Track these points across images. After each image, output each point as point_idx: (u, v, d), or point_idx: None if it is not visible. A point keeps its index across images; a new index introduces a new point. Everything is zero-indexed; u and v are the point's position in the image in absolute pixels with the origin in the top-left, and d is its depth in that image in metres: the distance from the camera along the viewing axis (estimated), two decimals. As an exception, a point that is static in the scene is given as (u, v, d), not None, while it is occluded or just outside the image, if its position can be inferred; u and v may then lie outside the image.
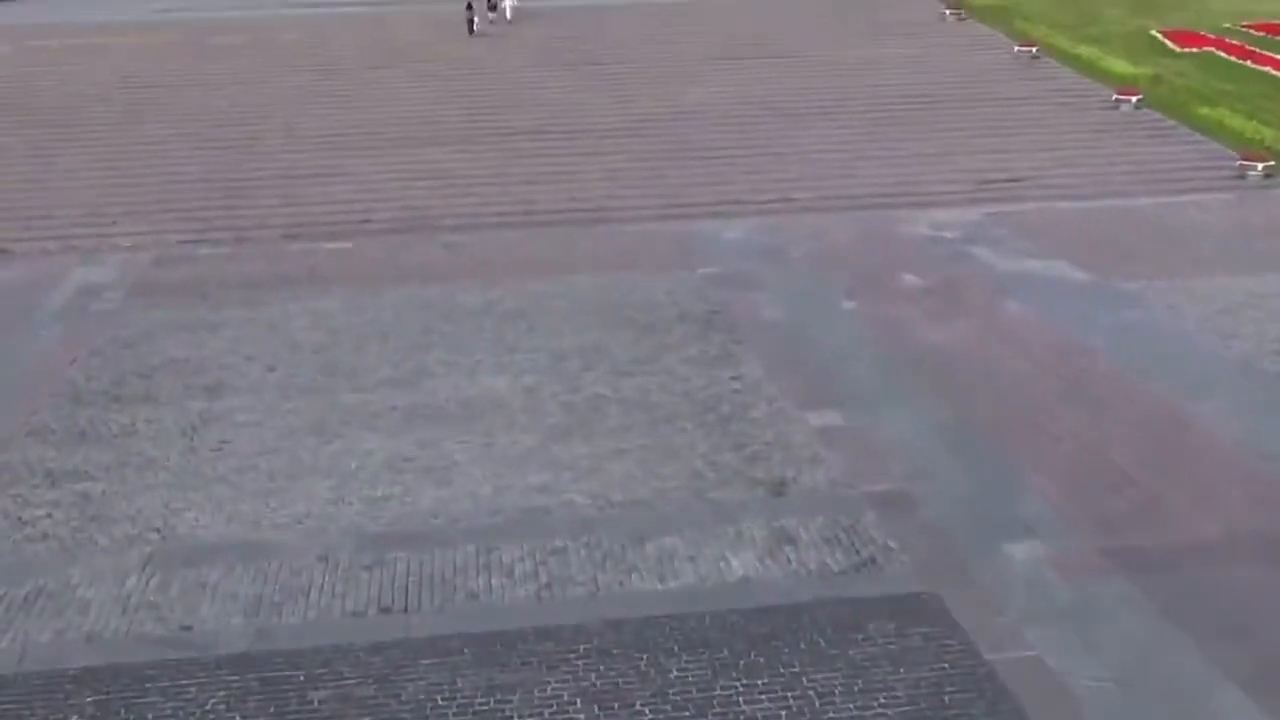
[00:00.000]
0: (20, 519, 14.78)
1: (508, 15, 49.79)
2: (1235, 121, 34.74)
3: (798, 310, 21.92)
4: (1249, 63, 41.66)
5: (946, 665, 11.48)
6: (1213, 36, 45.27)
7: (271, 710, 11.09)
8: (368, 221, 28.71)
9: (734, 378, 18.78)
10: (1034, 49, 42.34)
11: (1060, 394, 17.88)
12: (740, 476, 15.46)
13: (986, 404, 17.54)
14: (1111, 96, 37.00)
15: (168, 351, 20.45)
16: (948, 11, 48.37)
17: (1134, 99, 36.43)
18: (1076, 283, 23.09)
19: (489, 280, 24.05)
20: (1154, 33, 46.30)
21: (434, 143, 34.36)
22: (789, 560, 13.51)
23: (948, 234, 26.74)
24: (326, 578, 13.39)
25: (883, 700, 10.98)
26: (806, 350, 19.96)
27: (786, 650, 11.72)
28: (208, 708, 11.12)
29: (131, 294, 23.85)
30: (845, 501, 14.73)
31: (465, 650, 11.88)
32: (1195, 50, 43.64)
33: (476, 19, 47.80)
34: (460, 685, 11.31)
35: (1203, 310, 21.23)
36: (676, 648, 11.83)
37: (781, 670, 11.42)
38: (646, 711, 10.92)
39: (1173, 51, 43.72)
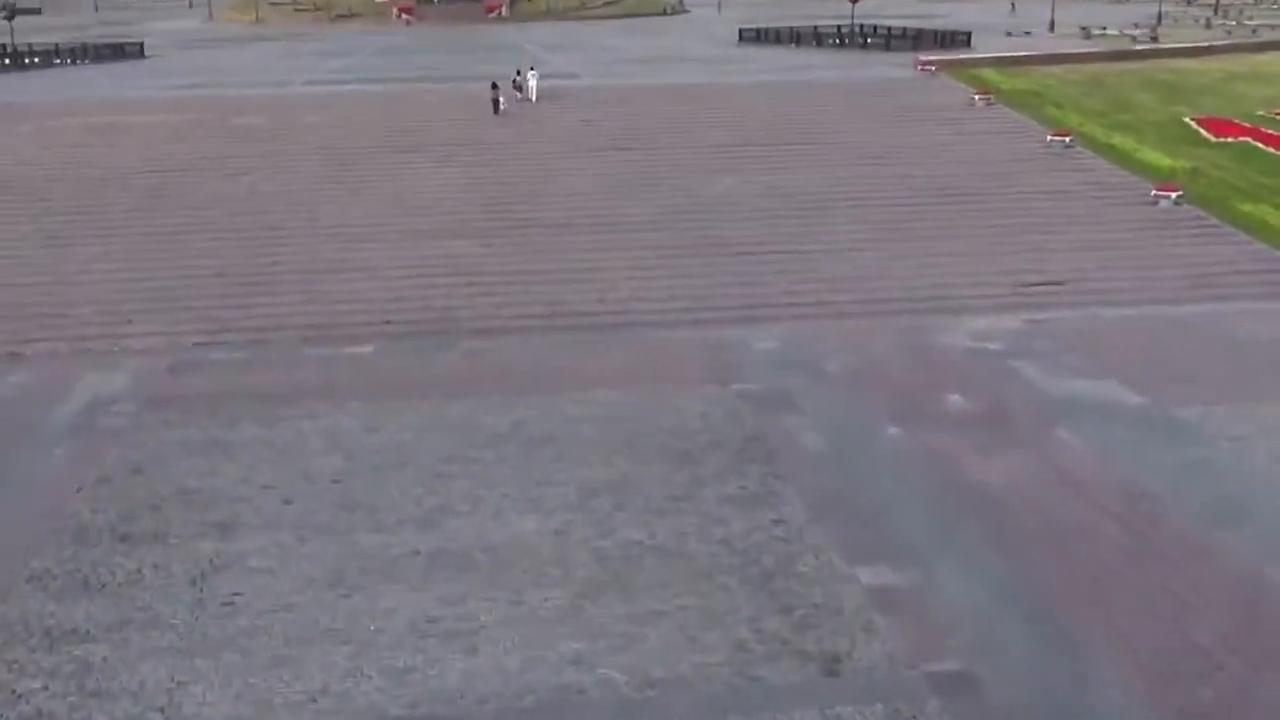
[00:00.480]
0: (14, 692, 13.73)
1: (532, 96, 49.50)
2: (1279, 220, 33.83)
3: (839, 438, 20.85)
4: (1288, 155, 40.91)
5: None
6: (1248, 125, 44.51)
7: None
8: (388, 323, 27.81)
9: (776, 521, 17.69)
10: (1067, 138, 41.60)
11: (1126, 551, 16.74)
12: (789, 649, 14.34)
13: (1048, 562, 16.40)
14: (1150, 192, 36.11)
15: (179, 479, 19.46)
16: (977, 97, 47.75)
17: (1173, 195, 35.54)
18: (1131, 409, 21.98)
19: (513, 395, 23.07)
20: (1187, 120, 45.57)
21: (458, 235, 33.60)
22: (847, 758, 12.39)
23: (990, 345, 25.72)
24: (343, 771, 12.30)
25: None
26: (852, 488, 18.87)
27: None
28: None
29: (143, 407, 22.91)
30: (905, 685, 13.58)
31: None
32: (1231, 140, 42.83)
33: (502, 99, 47.45)
34: None
35: (1273, 444, 20.10)
36: None
37: None
38: None
39: (1208, 141, 42.92)
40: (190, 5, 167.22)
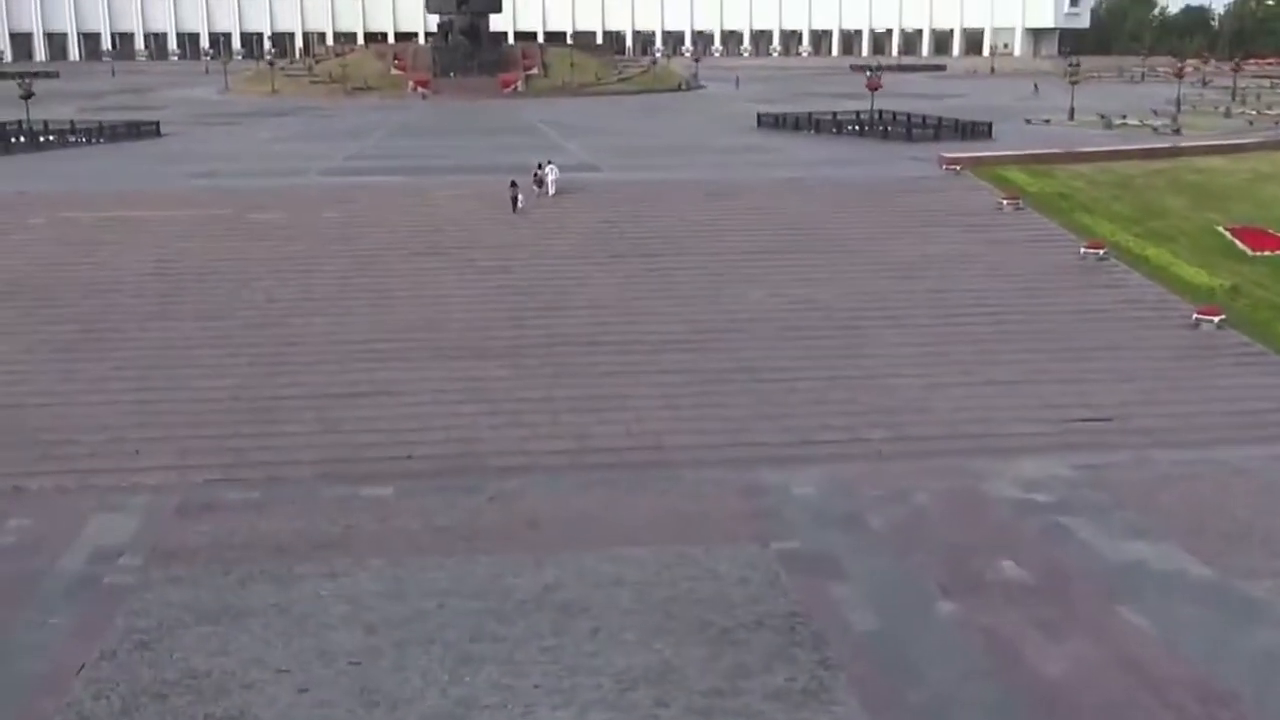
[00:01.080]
0: None
1: (550, 189, 48.83)
2: (1328, 349, 32.76)
3: (890, 615, 19.61)
4: (1330, 272, 39.91)
5: None
6: (1285, 236, 43.59)
7: None
8: (409, 458, 26.70)
9: (830, 725, 16.45)
10: (1101, 250, 40.66)
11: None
12: None
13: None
14: (1191, 315, 35.07)
15: (187, 658, 18.25)
16: (1004, 201, 46.90)
17: (1215, 319, 34.49)
18: (1196, 582, 20.75)
19: (543, 551, 21.91)
20: (1221, 230, 44.68)
21: (479, 354, 32.56)
22: None
23: (1039, 497, 24.53)
24: None
25: None
26: (909, 683, 17.61)
27: None
28: None
29: (151, 561, 21.75)
30: None
31: None
32: (1269, 253, 41.89)
33: (520, 197, 46.74)
34: None
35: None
36: None
37: None
38: None
39: (1245, 255, 41.97)
40: (206, 70, 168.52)
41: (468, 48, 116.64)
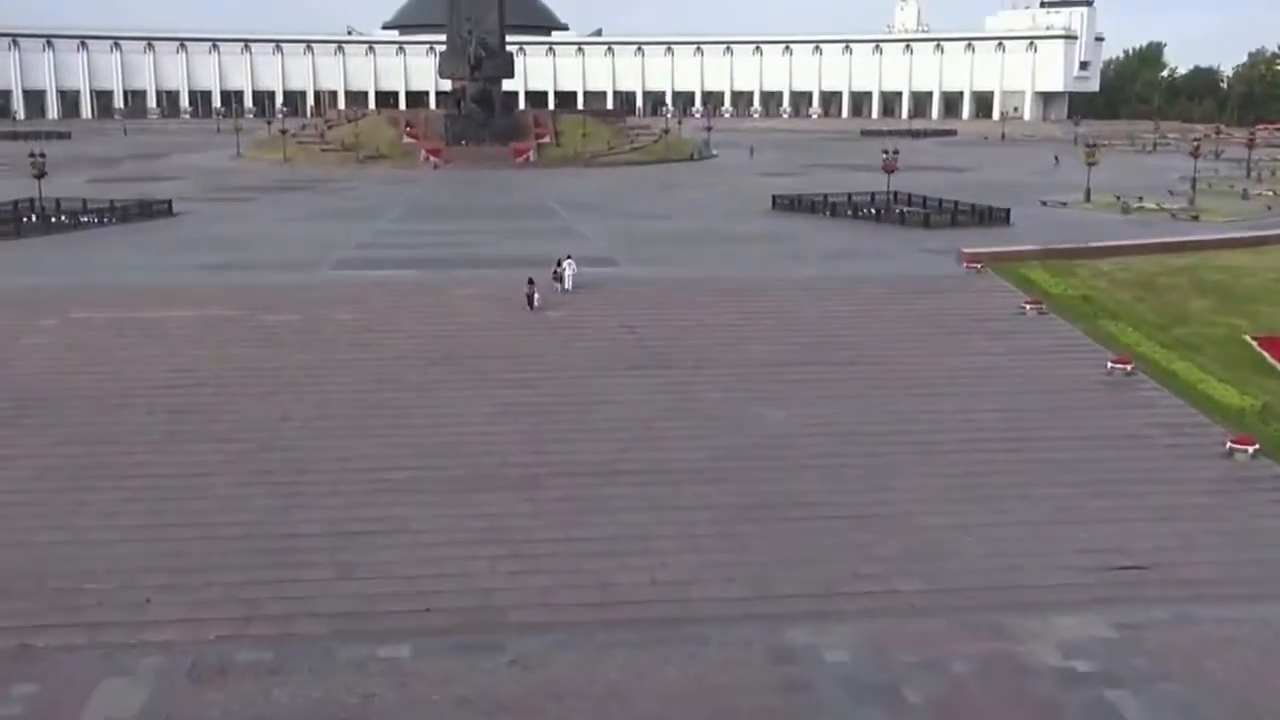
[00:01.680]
0: None
1: (568, 284, 48.53)
2: (1368, 484, 31.94)
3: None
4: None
5: None
6: (1313, 349, 42.86)
7: None
8: (428, 610, 25.91)
9: None
10: (1128, 366, 39.96)
11: None
12: None
13: None
14: (1224, 443, 34.26)
15: None
16: (1028, 306, 46.36)
17: (1249, 450, 33.68)
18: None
19: (567, 732, 21.07)
20: (1249, 339, 43.98)
21: (497, 485, 31.83)
22: None
23: (1079, 665, 23.65)
24: None
25: None
26: None
27: None
28: None
29: (161, 741, 20.95)
30: None
31: None
32: (1298, 367, 41.15)
33: (537, 295, 46.36)
34: None
35: None
36: None
37: None
38: None
39: (1275, 369, 41.25)
40: (218, 129, 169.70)
41: (480, 116, 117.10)
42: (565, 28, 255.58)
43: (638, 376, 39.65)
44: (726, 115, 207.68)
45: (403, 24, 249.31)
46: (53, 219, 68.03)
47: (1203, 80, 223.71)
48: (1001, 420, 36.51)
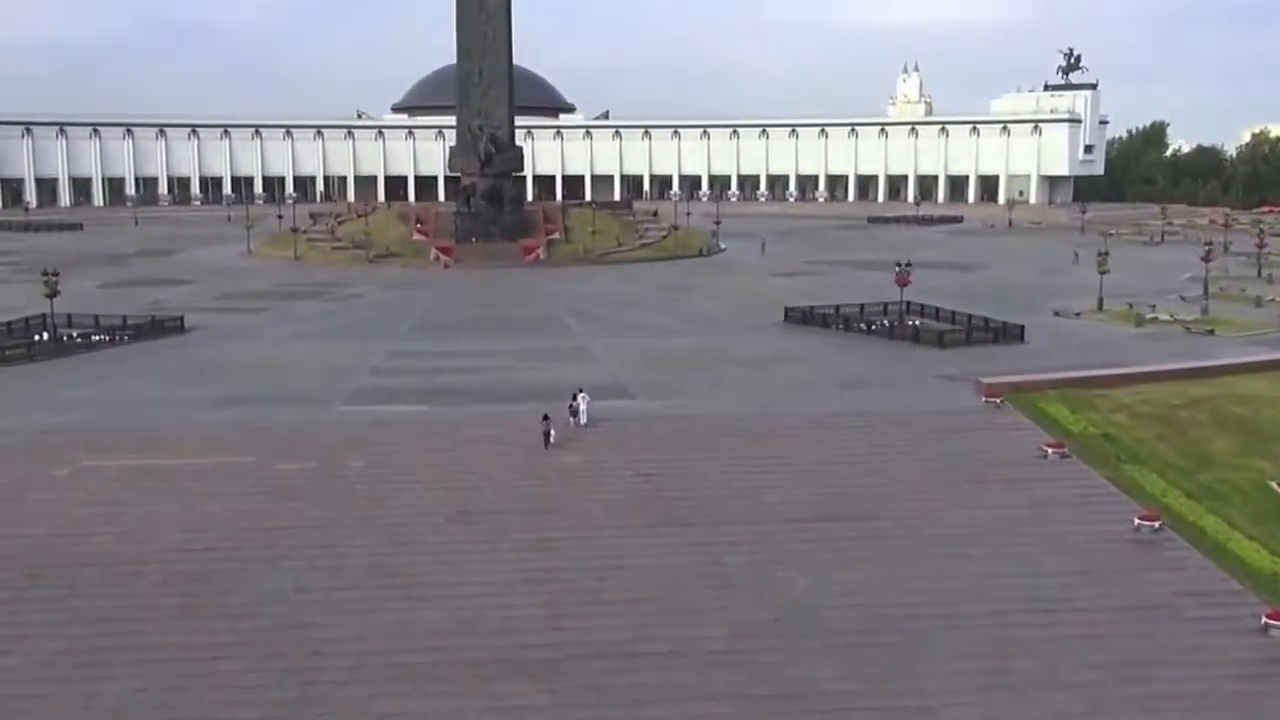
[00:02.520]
0: None
1: (582, 419, 48.34)
2: None
3: None
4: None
5: None
6: (1343, 498, 42.16)
7: None
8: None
9: None
10: (1155, 523, 39.35)
11: None
12: None
13: None
14: (1259, 616, 33.50)
15: None
16: (1049, 449, 45.81)
17: (1284, 626, 32.96)
18: None
19: None
20: (1274, 486, 43.33)
21: (516, 669, 31.13)
22: None
23: None
24: None
25: None
26: None
27: None
28: None
29: None
30: None
31: None
32: (1327, 521, 40.43)
33: (553, 432, 46.08)
34: None
35: None
36: None
37: None
38: None
39: (1303, 522, 40.56)
40: (229, 218, 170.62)
41: (490, 213, 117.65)
42: (573, 109, 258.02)
43: (657, 536, 39.09)
44: (733, 199, 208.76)
45: (412, 106, 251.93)
46: (64, 338, 67.84)
47: (1207, 160, 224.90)
48: (1029, 587, 35.82)
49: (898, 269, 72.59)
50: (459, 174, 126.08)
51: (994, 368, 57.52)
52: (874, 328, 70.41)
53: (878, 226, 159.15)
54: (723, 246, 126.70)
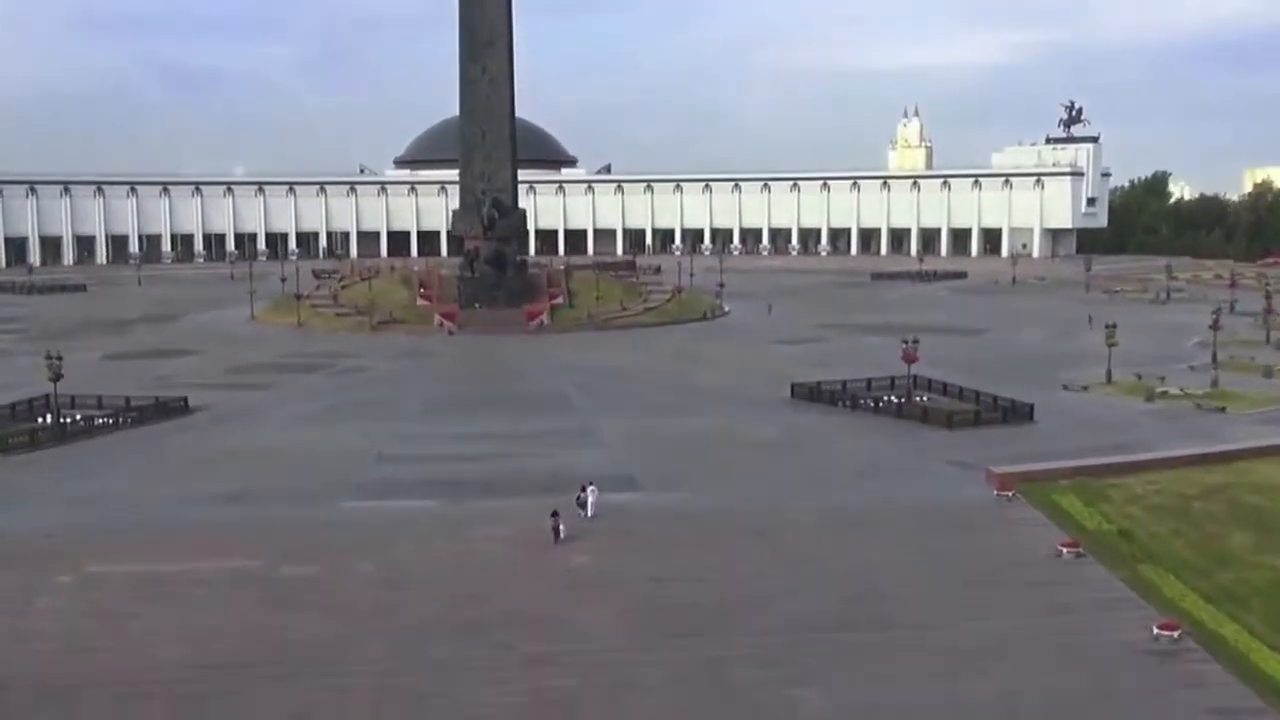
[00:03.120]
0: None
1: (590, 511, 48.25)
2: None
3: None
4: None
5: None
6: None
7: None
8: None
9: None
10: (1175, 633, 38.70)
11: None
12: None
13: None
14: (1285, 740, 32.89)
15: None
16: (1064, 549, 45.25)
17: (1313, 755, 32.29)
18: None
19: None
20: (1293, 585, 42.77)
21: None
22: None
23: None
24: None
25: None
26: None
27: None
28: None
29: None
30: None
31: None
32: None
33: (563, 527, 45.87)
34: None
35: None
36: None
37: None
38: None
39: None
40: (231, 276, 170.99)
41: (493, 277, 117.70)
42: (574, 162, 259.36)
43: (667, 649, 38.44)
44: (735, 252, 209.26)
45: (415, 160, 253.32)
46: (67, 422, 67.38)
47: (1209, 209, 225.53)
48: (1048, 708, 35.14)
49: (904, 345, 72.26)
50: (462, 236, 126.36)
51: (1004, 453, 57.13)
52: (881, 405, 70.03)
53: (882, 284, 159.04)
54: (726, 309, 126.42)
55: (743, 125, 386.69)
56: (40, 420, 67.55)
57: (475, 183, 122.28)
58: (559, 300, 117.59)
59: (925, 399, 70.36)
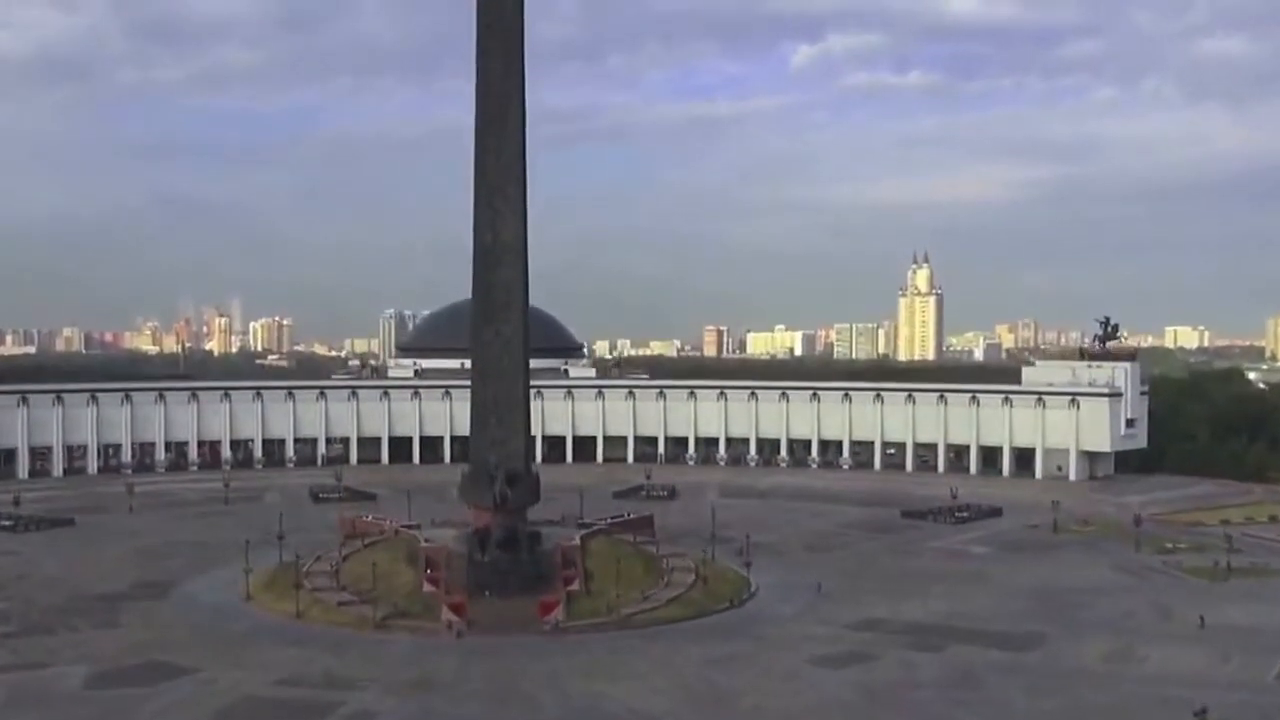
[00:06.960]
0: None
1: None
2: None
3: None
4: None
5: None
6: None
7: None
8: None
9: None
10: None
11: None
12: None
13: None
14: None
15: None
16: None
17: None
18: None
19: None
20: None
21: None
22: None
23: None
24: None
25: None
26: None
27: None
28: None
29: None
30: None
31: None
32: None
33: None
34: None
35: None
36: None
37: None
38: None
39: None
40: (226, 501, 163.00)
41: (505, 561, 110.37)
42: (581, 351, 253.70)
43: None
44: (751, 463, 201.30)
45: (420, 347, 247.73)
46: None
47: (1248, 410, 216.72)
48: None
49: None
50: (471, 506, 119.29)
51: None
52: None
53: (912, 529, 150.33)
54: (754, 587, 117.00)
55: (746, 264, 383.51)
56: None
57: (487, 451, 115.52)
58: (574, 586, 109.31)
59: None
